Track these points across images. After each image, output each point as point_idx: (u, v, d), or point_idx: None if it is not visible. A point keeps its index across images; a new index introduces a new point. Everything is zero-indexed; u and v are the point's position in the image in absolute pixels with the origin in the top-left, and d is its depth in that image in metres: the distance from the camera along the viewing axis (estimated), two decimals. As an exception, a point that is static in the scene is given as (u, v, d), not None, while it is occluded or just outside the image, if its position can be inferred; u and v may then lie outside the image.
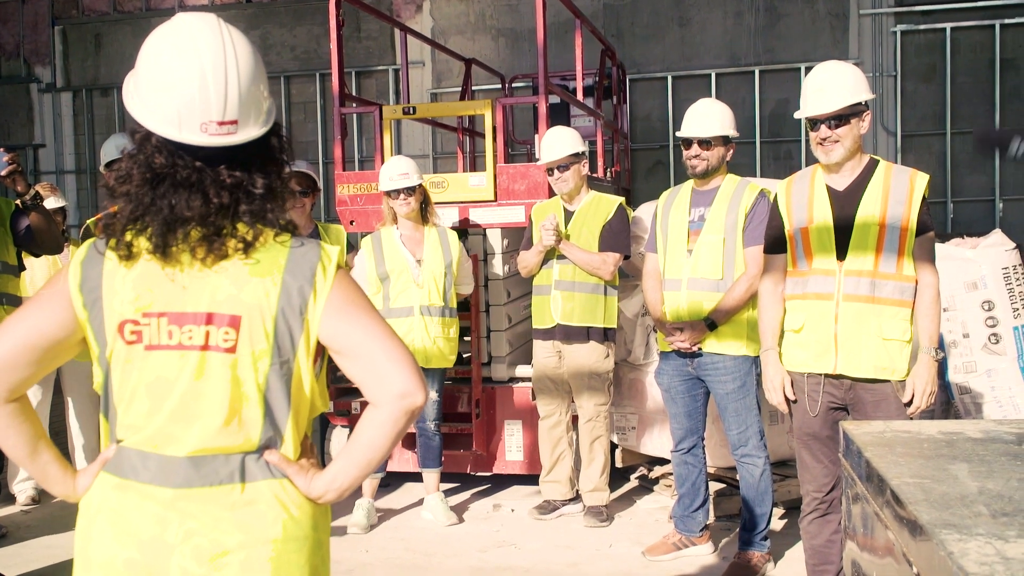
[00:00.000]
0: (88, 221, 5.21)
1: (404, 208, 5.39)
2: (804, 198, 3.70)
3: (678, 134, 4.51)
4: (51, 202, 5.64)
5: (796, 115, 3.74)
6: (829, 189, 3.66)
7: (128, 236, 1.88)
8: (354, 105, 7.26)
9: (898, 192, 3.53)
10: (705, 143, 4.43)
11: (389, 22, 7.94)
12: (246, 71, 1.87)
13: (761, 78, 10.16)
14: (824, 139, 3.56)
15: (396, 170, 5.38)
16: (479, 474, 6.17)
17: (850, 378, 3.61)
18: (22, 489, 5.99)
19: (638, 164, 10.45)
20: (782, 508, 5.31)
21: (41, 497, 6.03)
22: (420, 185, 5.41)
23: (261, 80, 1.91)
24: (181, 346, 1.86)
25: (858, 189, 3.59)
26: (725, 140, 4.48)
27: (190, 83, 1.82)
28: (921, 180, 3.55)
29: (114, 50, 12.12)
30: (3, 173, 4.23)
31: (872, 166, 3.63)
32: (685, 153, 4.48)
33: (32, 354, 1.88)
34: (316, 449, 2.16)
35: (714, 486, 5.42)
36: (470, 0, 10.91)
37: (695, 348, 4.43)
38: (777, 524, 5.15)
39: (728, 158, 4.53)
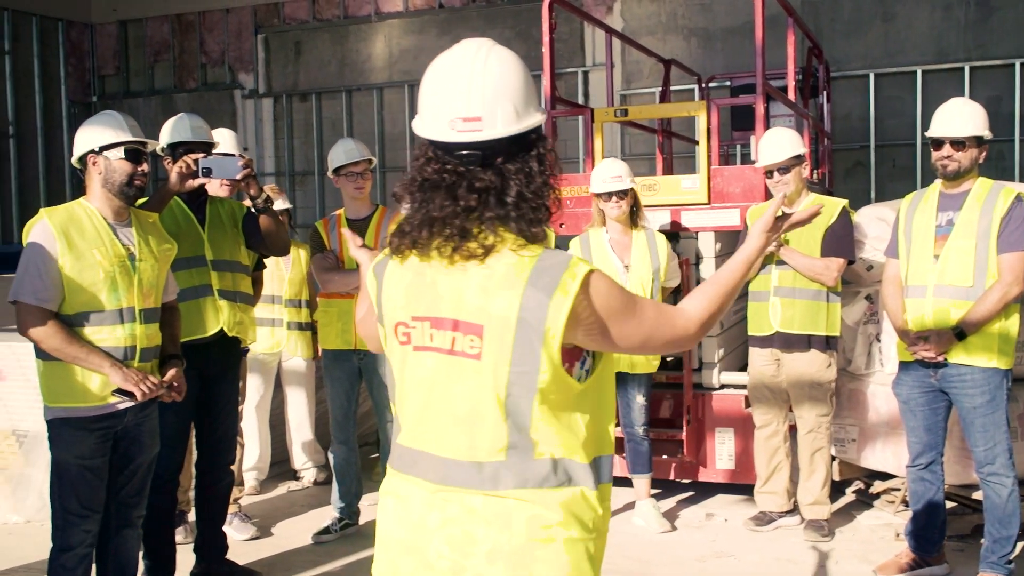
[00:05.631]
0: (316, 223, 5.35)
1: (615, 211, 5.34)
2: None
3: (927, 134, 4.30)
4: (278, 204, 5.84)
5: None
6: None
7: (404, 236, 2.01)
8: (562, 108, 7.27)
9: None
10: (958, 144, 4.21)
11: (592, 22, 7.93)
12: (495, 75, 1.93)
13: (971, 75, 9.67)
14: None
15: (609, 172, 5.34)
16: (683, 481, 6.07)
17: None
18: (247, 478, 6.13)
19: (837, 165, 10.09)
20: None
21: (261, 487, 6.26)
22: (632, 188, 5.36)
23: (514, 88, 1.94)
24: (438, 349, 1.95)
25: None
26: (979, 141, 4.25)
27: (441, 83, 1.96)
28: None
29: (313, 57, 12.58)
30: (239, 177, 4.31)
31: None
32: (935, 154, 4.27)
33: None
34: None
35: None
36: (661, 0, 10.81)
37: (940, 358, 4.22)
38: (1018, 546, 4.86)
39: (981, 160, 4.29)
